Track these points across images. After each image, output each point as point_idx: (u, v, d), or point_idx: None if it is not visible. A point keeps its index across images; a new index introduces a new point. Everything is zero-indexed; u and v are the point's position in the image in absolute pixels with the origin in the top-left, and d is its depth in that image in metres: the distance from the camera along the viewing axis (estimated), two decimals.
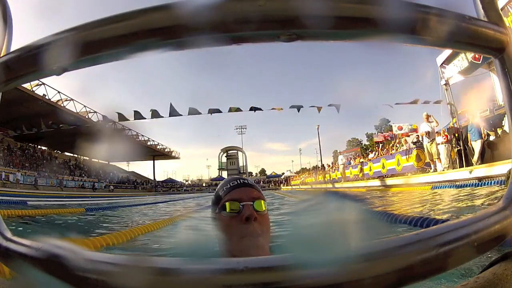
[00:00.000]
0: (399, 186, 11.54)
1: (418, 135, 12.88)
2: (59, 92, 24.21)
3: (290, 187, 34.50)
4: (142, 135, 36.91)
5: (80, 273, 0.31)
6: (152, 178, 48.76)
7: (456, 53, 10.15)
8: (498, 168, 6.86)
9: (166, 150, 45.64)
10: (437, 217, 3.73)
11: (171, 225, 4.79)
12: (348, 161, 20.64)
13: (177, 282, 0.28)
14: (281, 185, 41.93)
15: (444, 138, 9.97)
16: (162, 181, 50.11)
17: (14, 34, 0.52)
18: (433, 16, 0.33)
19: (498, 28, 0.39)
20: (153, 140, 40.04)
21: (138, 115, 13.45)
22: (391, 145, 17.22)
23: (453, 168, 9.57)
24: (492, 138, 8.65)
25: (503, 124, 8.47)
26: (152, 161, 47.55)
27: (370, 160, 16.91)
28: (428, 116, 10.76)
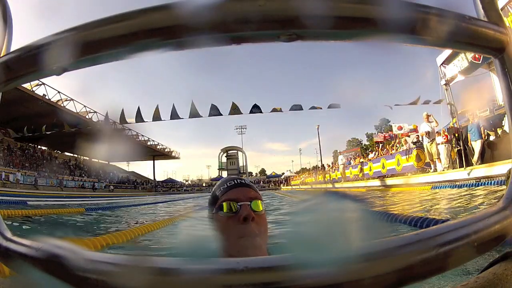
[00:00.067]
0: (399, 186, 11.54)
1: (418, 135, 12.89)
2: (59, 92, 24.24)
3: (290, 187, 34.50)
4: (142, 135, 36.97)
5: (80, 273, 0.31)
6: (152, 178, 48.76)
7: (456, 53, 10.15)
8: (498, 168, 6.86)
9: (166, 150, 45.65)
10: (437, 217, 3.73)
11: (171, 225, 4.79)
12: (348, 161, 20.64)
13: (177, 282, 0.28)
14: (281, 185, 41.91)
15: (444, 138, 9.97)
16: (162, 181, 50.11)
17: (14, 34, 0.52)
18: (433, 16, 0.33)
19: (498, 28, 0.39)
20: (153, 140, 40.06)
21: (139, 118, 13.46)
22: (391, 145, 17.21)
23: (453, 168, 9.57)
24: (492, 138, 8.65)
25: (503, 124, 8.46)
26: (152, 161, 47.56)
27: (370, 160, 16.91)
28: (428, 116, 10.77)
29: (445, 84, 11.53)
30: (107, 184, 35.63)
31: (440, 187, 8.62)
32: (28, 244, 0.37)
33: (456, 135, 9.99)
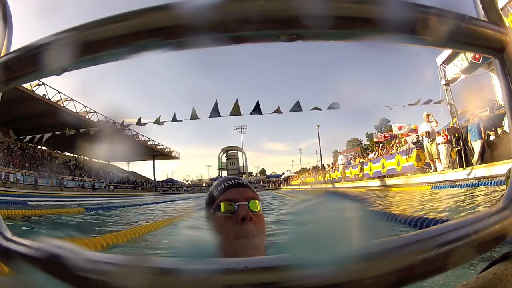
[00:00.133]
0: (399, 186, 11.54)
1: (418, 135, 12.88)
2: (59, 92, 24.25)
3: (290, 187, 34.49)
4: (142, 135, 36.98)
5: (80, 273, 0.31)
6: (152, 178, 48.77)
7: (456, 53, 10.15)
8: (498, 168, 6.87)
9: (166, 150, 45.65)
10: (437, 217, 3.73)
11: (171, 225, 4.79)
12: (348, 161, 20.64)
13: (177, 282, 0.28)
14: (281, 185, 41.90)
15: (444, 138, 9.97)
16: (162, 181, 50.13)
17: (14, 34, 0.52)
18: (433, 16, 0.33)
19: (498, 28, 0.39)
20: (153, 140, 40.07)
21: (140, 122, 13.47)
22: (391, 145, 17.20)
23: (453, 168, 9.57)
24: (492, 138, 8.65)
25: (503, 124, 8.46)
26: (152, 161, 47.57)
27: (370, 160, 16.91)
28: (428, 116, 10.77)
29: (445, 84, 11.53)
30: (107, 184, 35.63)
31: (440, 187, 8.62)
32: (28, 244, 0.37)
33: (456, 135, 9.99)
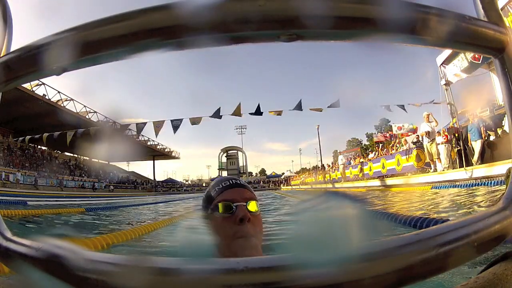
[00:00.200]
0: (399, 186, 11.53)
1: (418, 135, 12.88)
2: (59, 92, 24.27)
3: (290, 187, 34.49)
4: (142, 135, 36.99)
5: (80, 273, 0.31)
6: (152, 178, 48.77)
7: (456, 53, 10.15)
8: (498, 168, 6.87)
9: (166, 150, 45.65)
10: (437, 217, 3.73)
11: (171, 225, 4.79)
12: (348, 161, 20.64)
13: (177, 282, 0.28)
14: (281, 185, 41.89)
15: (444, 138, 9.97)
16: (162, 181, 50.13)
17: (14, 34, 0.52)
18: (433, 16, 0.33)
19: (498, 28, 0.39)
20: (153, 140, 40.05)
21: (140, 128, 13.46)
22: (391, 145, 17.20)
23: (453, 168, 9.57)
24: (492, 138, 8.65)
25: (503, 124, 8.46)
26: (152, 161, 47.58)
27: (370, 160, 16.91)
28: (428, 116, 10.77)
29: (445, 84, 11.53)
30: (107, 184, 35.63)
31: (440, 187, 8.63)
32: (28, 244, 0.37)
33: (456, 135, 9.99)
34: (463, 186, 7.70)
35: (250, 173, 56.49)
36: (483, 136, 8.74)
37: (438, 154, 10.26)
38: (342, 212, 0.33)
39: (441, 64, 11.43)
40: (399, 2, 0.32)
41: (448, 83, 11.45)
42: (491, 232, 0.34)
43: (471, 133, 9.03)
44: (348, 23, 0.31)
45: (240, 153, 52.55)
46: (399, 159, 13.06)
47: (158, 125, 12.63)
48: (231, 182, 0.87)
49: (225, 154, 52.09)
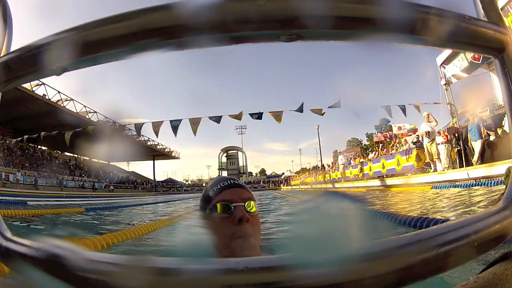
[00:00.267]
0: (399, 186, 11.53)
1: (418, 135, 12.88)
2: (59, 92, 24.27)
3: (290, 187, 34.49)
4: (142, 135, 36.95)
5: (80, 273, 0.31)
6: (152, 178, 48.76)
7: (456, 53, 10.15)
8: (498, 168, 6.86)
9: (166, 150, 45.65)
10: (437, 217, 3.73)
11: (171, 225, 4.79)
12: (348, 161, 20.63)
13: (177, 282, 0.28)
14: (281, 185, 41.89)
15: (444, 138, 9.97)
16: (162, 181, 50.13)
17: (14, 34, 0.52)
18: (433, 16, 0.33)
19: (498, 28, 0.39)
20: (153, 140, 40.04)
21: (139, 128, 13.47)
22: (391, 145, 17.20)
23: (453, 168, 9.57)
24: (492, 138, 8.65)
25: (503, 124, 8.47)
26: (152, 161, 47.57)
27: (370, 160, 16.91)
28: (428, 116, 10.78)
29: (445, 84, 11.53)
30: (107, 184, 35.62)
31: (440, 187, 8.62)
32: (28, 244, 0.37)
33: (456, 135, 9.99)
34: (463, 186, 7.70)
35: (250, 173, 56.50)
36: (483, 136, 8.75)
37: (438, 154, 10.26)
38: (342, 212, 0.33)
39: (441, 64, 11.43)
40: (399, 2, 0.32)
41: (448, 83, 11.46)
42: (491, 232, 0.34)
43: (471, 133, 9.03)
44: (348, 23, 0.31)
45: (240, 153, 52.52)
46: (399, 159, 13.05)
47: (157, 125, 12.64)
48: (229, 183, 0.87)
49: (225, 154, 52.05)
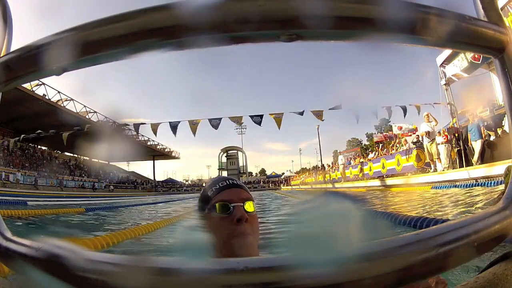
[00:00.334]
0: (399, 186, 11.54)
1: (418, 135, 12.88)
2: (59, 92, 24.27)
3: (290, 187, 34.50)
4: (142, 135, 36.95)
5: (80, 273, 0.31)
6: (152, 178, 48.75)
7: (456, 53, 10.16)
8: (498, 168, 6.86)
9: (166, 150, 45.65)
10: (437, 216, 3.73)
11: (171, 225, 4.79)
12: (348, 161, 20.63)
13: (177, 282, 0.28)
14: (281, 185, 41.89)
15: (444, 138, 9.97)
16: (162, 181, 50.12)
17: (14, 34, 0.52)
18: (433, 16, 0.33)
19: (498, 28, 0.39)
20: (153, 140, 40.04)
21: (137, 127, 13.50)
22: (391, 145, 17.19)
23: (453, 168, 9.57)
24: (492, 138, 8.65)
25: (503, 124, 8.47)
26: (152, 161, 47.56)
27: (370, 160, 16.90)
28: (428, 116, 10.78)
29: (445, 84, 11.54)
30: (107, 184, 35.61)
31: (440, 187, 8.63)
32: (28, 244, 0.37)
33: (456, 135, 9.99)
34: (463, 186, 7.70)
35: (250, 173, 56.47)
36: (483, 136, 8.75)
37: (438, 154, 10.26)
38: (342, 212, 0.33)
39: (441, 64, 11.44)
40: (399, 2, 0.32)
41: (448, 83, 11.46)
42: (491, 232, 0.34)
43: (471, 133, 9.03)
44: (348, 23, 0.31)
45: (240, 153, 52.46)
46: (399, 159, 13.05)
47: (155, 125, 12.66)
48: (228, 183, 0.87)
49: (225, 154, 52.01)
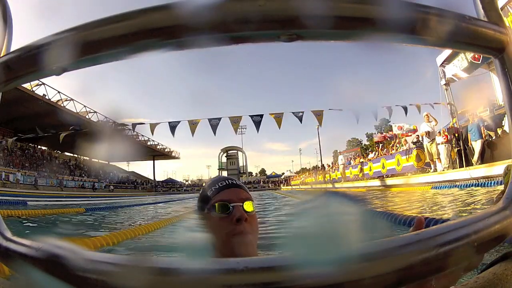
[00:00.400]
0: (399, 186, 11.54)
1: (418, 135, 12.88)
2: (59, 92, 24.27)
3: (290, 187, 34.50)
4: (142, 135, 36.94)
5: (80, 273, 0.31)
6: (152, 178, 48.77)
7: (456, 53, 10.16)
8: (498, 168, 6.85)
9: (166, 150, 45.65)
10: (437, 217, 3.73)
11: (171, 225, 4.79)
12: (348, 161, 20.63)
13: (177, 282, 0.28)
14: (281, 185, 41.88)
15: (444, 138, 9.97)
16: (162, 181, 50.14)
17: (14, 34, 0.52)
18: (433, 16, 0.33)
19: (498, 28, 0.39)
20: (153, 140, 40.04)
21: (134, 127, 13.55)
22: (391, 145, 17.19)
23: (453, 168, 9.57)
24: (492, 138, 8.65)
25: (503, 124, 8.46)
26: (152, 161, 47.58)
27: (370, 160, 16.90)
28: (428, 116, 10.78)
29: (445, 84, 11.54)
30: (107, 184, 35.62)
31: (440, 187, 8.63)
32: (28, 244, 0.37)
33: (456, 135, 9.99)
34: (463, 186, 7.70)
35: (250, 173, 56.48)
36: (483, 136, 8.75)
37: (438, 154, 10.26)
38: (342, 212, 0.33)
39: (441, 64, 11.43)
40: (399, 2, 0.32)
41: (448, 83, 11.46)
42: (491, 232, 0.34)
43: (471, 133, 9.03)
44: (348, 23, 0.31)
45: (240, 153, 52.45)
46: (399, 159, 13.05)
47: (153, 126, 12.68)
48: (227, 182, 0.87)
49: (225, 154, 51.98)
